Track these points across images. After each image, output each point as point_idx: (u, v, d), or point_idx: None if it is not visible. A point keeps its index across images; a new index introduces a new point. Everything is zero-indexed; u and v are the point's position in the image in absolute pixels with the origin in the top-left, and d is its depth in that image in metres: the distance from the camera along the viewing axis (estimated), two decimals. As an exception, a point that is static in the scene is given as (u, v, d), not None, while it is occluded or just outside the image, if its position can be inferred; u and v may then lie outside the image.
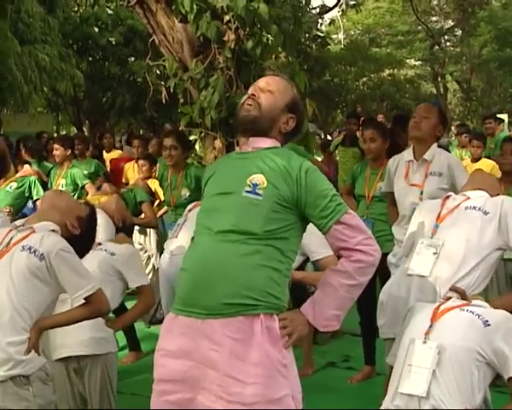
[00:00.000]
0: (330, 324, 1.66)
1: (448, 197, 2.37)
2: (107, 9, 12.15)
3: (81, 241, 2.04)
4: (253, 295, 1.57)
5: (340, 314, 1.66)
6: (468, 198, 2.32)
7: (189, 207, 3.34)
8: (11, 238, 1.93)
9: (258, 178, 1.63)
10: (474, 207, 2.26)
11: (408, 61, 21.77)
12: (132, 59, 12.20)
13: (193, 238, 1.71)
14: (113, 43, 11.94)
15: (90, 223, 2.13)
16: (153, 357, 1.66)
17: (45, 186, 4.55)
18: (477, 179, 2.47)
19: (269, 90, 1.69)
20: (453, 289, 2.10)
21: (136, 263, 2.58)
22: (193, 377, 1.59)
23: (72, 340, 2.27)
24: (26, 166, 4.55)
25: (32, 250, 1.86)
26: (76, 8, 12.86)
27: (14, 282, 1.85)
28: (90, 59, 12.32)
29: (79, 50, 11.75)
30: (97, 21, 11.88)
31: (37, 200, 4.27)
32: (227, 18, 3.35)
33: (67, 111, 13.69)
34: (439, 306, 1.99)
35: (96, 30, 11.94)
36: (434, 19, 21.31)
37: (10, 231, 1.97)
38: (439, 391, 1.81)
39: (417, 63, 22.43)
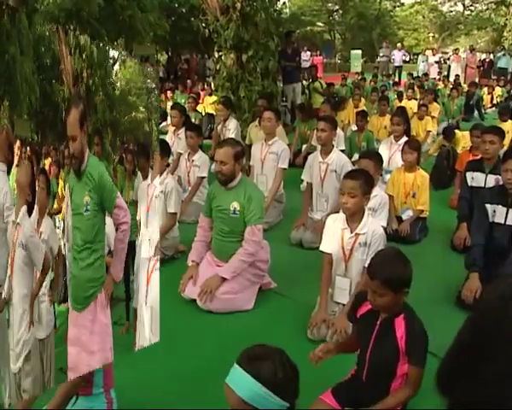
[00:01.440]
0: None
1: None
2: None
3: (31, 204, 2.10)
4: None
5: None
6: None
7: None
8: (14, 236, 2.02)
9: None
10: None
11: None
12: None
13: None
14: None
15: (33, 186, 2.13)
16: (61, 332, 1.90)
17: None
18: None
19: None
20: None
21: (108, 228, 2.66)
22: (76, 362, 1.90)
23: None
24: None
25: (20, 244, 2.00)
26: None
27: (19, 278, 1.95)
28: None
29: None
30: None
31: None
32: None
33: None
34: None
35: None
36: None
37: (13, 226, 2.03)
38: None
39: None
